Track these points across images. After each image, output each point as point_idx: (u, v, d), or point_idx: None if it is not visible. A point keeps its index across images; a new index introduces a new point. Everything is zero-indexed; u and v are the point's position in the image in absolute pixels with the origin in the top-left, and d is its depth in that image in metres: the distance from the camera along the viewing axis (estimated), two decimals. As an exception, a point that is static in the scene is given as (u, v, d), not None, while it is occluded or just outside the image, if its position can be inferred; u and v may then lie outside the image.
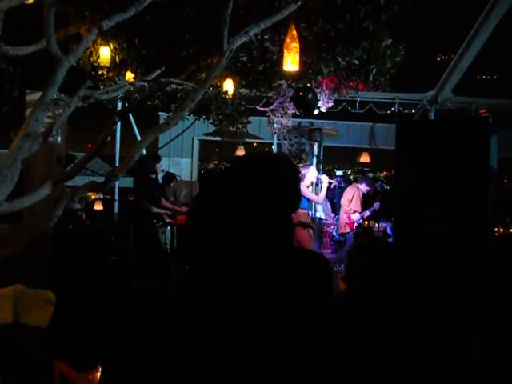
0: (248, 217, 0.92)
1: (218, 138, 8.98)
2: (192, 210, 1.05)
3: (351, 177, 19.64)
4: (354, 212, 7.08)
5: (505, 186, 12.74)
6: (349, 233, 6.86)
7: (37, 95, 3.11)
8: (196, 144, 10.78)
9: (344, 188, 7.80)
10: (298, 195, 1.06)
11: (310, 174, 5.94)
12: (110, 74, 4.32)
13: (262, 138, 10.20)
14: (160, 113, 9.28)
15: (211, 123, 4.75)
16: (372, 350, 1.85)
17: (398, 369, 1.82)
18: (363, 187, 7.28)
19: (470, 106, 9.06)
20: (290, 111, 7.46)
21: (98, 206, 7.83)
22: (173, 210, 6.56)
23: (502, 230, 7.10)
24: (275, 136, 8.90)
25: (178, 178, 7.21)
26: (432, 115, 8.83)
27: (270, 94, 7.09)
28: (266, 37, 4.39)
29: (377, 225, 6.76)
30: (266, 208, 0.95)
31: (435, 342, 2.01)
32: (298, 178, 1.10)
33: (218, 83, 4.62)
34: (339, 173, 8.13)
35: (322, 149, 9.09)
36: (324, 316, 1.02)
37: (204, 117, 4.58)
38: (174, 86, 4.66)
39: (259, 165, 1.00)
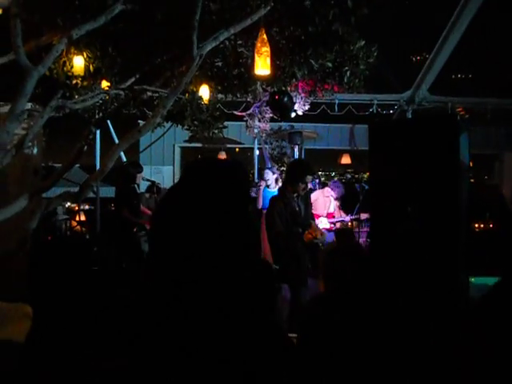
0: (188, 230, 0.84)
1: (199, 145, 8.98)
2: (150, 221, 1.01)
3: (335, 178, 19.85)
4: (318, 217, 7.08)
5: (485, 182, 12.96)
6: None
7: (7, 107, 3.10)
8: (177, 151, 10.76)
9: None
10: (240, 205, 0.91)
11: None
12: (85, 83, 4.32)
13: (242, 143, 10.23)
14: (140, 121, 9.25)
15: (186, 129, 4.76)
16: (352, 347, 1.88)
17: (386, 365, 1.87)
18: (327, 191, 7.12)
19: (446, 105, 9.21)
20: (267, 115, 7.50)
21: (82, 217, 7.80)
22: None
23: (482, 225, 7.22)
24: (256, 140, 8.94)
25: (160, 186, 7.19)
26: (409, 115, 8.96)
27: (248, 99, 7.15)
28: (239, 42, 4.43)
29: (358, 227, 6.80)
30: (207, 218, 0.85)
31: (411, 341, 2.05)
32: (240, 187, 0.95)
33: (194, 89, 4.64)
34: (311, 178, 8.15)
35: (303, 152, 9.13)
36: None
37: (179, 123, 4.57)
38: (149, 93, 4.67)
39: (202, 174, 0.92)
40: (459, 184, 3.47)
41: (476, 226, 7.15)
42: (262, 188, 6.54)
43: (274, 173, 6.44)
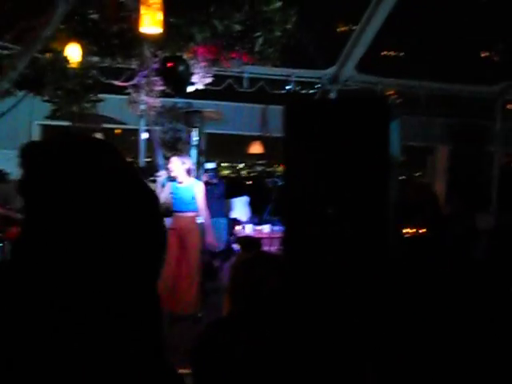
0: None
1: (66, 123, 8.59)
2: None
3: (244, 171, 20.11)
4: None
5: (417, 180, 13.82)
6: None
7: None
8: (35, 131, 10.23)
9: (217, 185, 7.93)
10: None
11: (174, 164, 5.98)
12: None
13: (125, 123, 9.99)
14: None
15: (47, 101, 4.56)
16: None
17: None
18: None
19: (375, 86, 9.68)
20: (157, 88, 7.37)
21: None
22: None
23: (411, 230, 7.70)
24: (142, 120, 8.76)
25: (9, 177, 6.83)
26: (333, 96, 9.30)
27: (132, 66, 6.97)
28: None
29: (268, 229, 6.94)
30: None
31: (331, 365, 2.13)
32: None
33: (58, 48, 4.44)
34: (210, 165, 8.16)
35: (202, 137, 9.12)
36: None
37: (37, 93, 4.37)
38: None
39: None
40: (388, 182, 3.64)
41: (405, 231, 7.62)
42: (160, 181, 6.24)
43: (183, 162, 6.10)
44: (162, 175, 6.24)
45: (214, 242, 6.15)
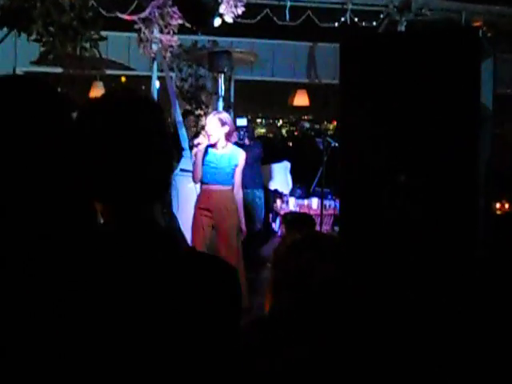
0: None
1: (59, 70, 8.67)
2: None
3: (283, 131, 20.03)
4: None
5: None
6: None
7: None
8: (21, 80, 10.39)
9: (250, 147, 7.76)
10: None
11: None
12: None
13: (133, 69, 10.00)
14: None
15: (35, 41, 4.59)
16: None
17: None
18: None
19: (459, 14, 9.47)
20: (174, 22, 7.38)
21: None
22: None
23: (505, 206, 7.57)
24: (155, 64, 8.76)
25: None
26: (402, 29, 9.13)
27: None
28: None
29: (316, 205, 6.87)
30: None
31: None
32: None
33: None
34: (241, 122, 7.96)
35: (232, 85, 9.08)
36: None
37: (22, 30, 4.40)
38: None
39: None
40: (478, 141, 3.56)
41: (498, 206, 7.49)
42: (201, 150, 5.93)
43: (223, 122, 5.85)
44: (201, 142, 5.83)
45: (244, 228, 6.05)
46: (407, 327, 3.29)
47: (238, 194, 5.94)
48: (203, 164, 5.78)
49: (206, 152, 5.78)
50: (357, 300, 2.19)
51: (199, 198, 5.94)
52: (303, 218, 5.47)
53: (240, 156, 5.83)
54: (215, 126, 5.71)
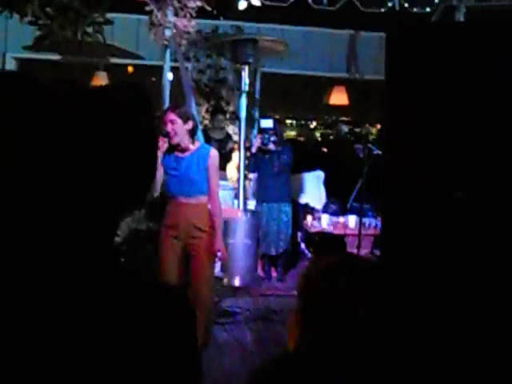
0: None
1: (56, 57, 8.72)
2: None
3: (318, 132, 19.82)
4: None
5: None
6: None
7: None
8: (11, 67, 10.51)
9: (277, 153, 7.93)
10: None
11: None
12: None
13: (142, 58, 10.11)
14: None
15: (31, 23, 4.70)
16: None
17: None
18: None
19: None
20: (192, 4, 7.43)
21: None
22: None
23: None
24: (168, 52, 8.85)
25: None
26: (461, 17, 9.18)
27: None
28: None
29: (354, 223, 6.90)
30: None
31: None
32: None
33: None
34: (267, 123, 7.81)
35: (258, 79, 9.18)
36: None
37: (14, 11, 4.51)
38: None
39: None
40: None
41: None
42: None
43: (185, 119, 5.57)
44: (160, 146, 5.39)
45: (222, 248, 5.66)
46: (464, 368, 3.31)
47: (214, 205, 5.64)
48: (165, 172, 5.57)
49: (166, 157, 5.57)
50: (406, 337, 2.16)
51: (166, 214, 5.67)
52: (332, 239, 5.44)
53: (210, 155, 5.57)
54: (176, 123, 5.46)
